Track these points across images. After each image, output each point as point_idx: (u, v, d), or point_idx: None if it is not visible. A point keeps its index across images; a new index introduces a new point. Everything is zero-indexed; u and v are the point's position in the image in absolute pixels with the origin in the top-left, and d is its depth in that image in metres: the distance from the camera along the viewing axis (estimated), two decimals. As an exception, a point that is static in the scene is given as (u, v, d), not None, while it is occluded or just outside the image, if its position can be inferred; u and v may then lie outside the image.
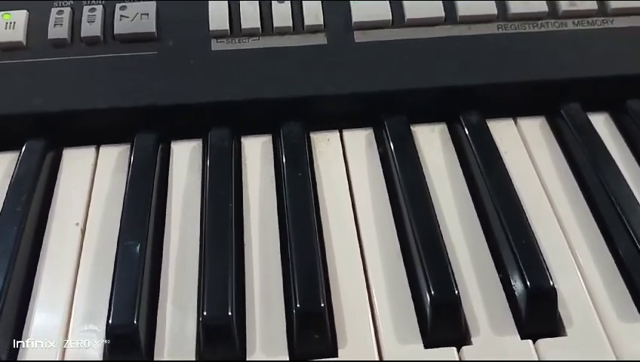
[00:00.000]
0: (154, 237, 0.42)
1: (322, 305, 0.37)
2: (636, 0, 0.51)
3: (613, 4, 0.51)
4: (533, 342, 0.37)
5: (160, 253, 0.42)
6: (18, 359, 0.37)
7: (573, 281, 0.40)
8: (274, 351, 0.37)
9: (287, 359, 0.36)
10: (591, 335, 0.37)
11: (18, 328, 0.38)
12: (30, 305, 0.39)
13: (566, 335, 0.37)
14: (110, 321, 0.36)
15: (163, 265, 0.41)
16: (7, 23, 0.49)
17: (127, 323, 0.36)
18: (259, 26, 0.49)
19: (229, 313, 0.36)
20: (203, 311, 0.36)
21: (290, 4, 0.49)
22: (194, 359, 0.37)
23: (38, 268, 0.41)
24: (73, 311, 0.39)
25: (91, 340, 0.37)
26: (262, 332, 0.38)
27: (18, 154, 0.46)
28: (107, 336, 0.36)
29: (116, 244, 0.40)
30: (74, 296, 0.40)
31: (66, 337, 0.38)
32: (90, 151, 0.48)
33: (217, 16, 0.49)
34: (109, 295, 0.38)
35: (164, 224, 0.43)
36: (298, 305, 0.36)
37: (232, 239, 0.40)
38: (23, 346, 0.37)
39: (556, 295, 0.37)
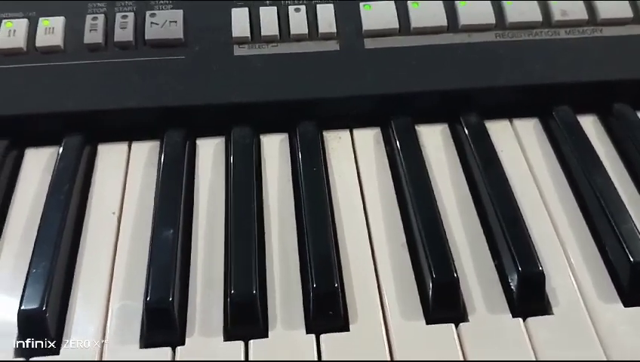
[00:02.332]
0: (184, 224, 0.45)
1: (336, 285, 0.40)
2: (624, 3, 0.54)
3: (603, 15, 0.53)
4: (524, 320, 0.40)
5: (189, 239, 0.45)
6: (64, 337, 0.40)
7: (561, 267, 0.43)
8: (292, 326, 0.40)
9: (305, 333, 0.40)
10: (575, 314, 0.40)
11: (63, 304, 0.42)
12: (73, 284, 0.43)
13: (553, 313, 0.41)
14: (148, 298, 0.40)
15: (192, 250, 0.45)
16: (46, 29, 0.52)
17: (163, 298, 0.39)
18: (277, 33, 0.52)
19: (254, 291, 0.40)
20: (231, 290, 0.40)
21: (305, 13, 0.53)
22: (222, 336, 0.40)
23: (79, 250, 0.45)
24: (112, 290, 0.42)
25: (130, 315, 0.41)
26: (282, 310, 0.41)
27: (57, 149, 0.50)
28: (145, 311, 0.40)
29: (150, 231, 0.44)
30: (112, 277, 0.43)
31: (107, 312, 0.41)
32: (123, 147, 0.51)
33: (239, 24, 0.52)
34: (144, 276, 0.41)
35: (192, 213, 0.47)
36: (315, 286, 0.40)
37: (254, 227, 0.44)
38: (68, 320, 0.41)
39: (544, 279, 0.41)
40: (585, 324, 0.40)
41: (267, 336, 0.40)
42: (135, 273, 0.43)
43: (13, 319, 0.40)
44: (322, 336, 0.40)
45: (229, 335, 0.40)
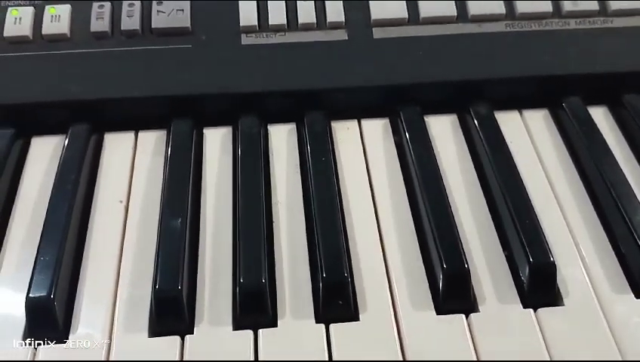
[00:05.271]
0: (192, 214, 0.45)
1: (346, 274, 0.40)
2: (635, 0, 0.54)
3: (614, 5, 0.53)
4: (534, 311, 0.40)
5: (197, 228, 0.45)
6: (72, 326, 0.40)
7: (571, 257, 0.43)
8: (302, 316, 0.40)
9: (314, 322, 0.40)
10: (586, 305, 0.40)
11: (71, 293, 0.42)
12: (81, 273, 0.43)
13: (563, 305, 0.40)
14: (157, 286, 0.39)
15: (200, 239, 0.44)
16: (52, 16, 0.52)
17: (172, 287, 0.39)
18: (285, 22, 0.52)
19: (263, 280, 0.39)
20: (240, 279, 0.40)
21: (313, 2, 0.52)
22: (231, 326, 0.40)
23: (86, 239, 0.45)
24: (120, 279, 0.42)
25: (138, 304, 0.41)
26: (291, 300, 0.41)
27: (63, 138, 0.49)
28: (154, 299, 0.39)
29: (157, 219, 0.44)
30: (120, 266, 0.43)
31: (115, 301, 0.41)
32: (129, 135, 0.51)
33: (247, 13, 0.52)
34: (152, 264, 0.41)
35: (199, 202, 0.47)
36: (324, 275, 0.40)
37: (263, 217, 0.43)
38: (76, 309, 0.41)
39: (555, 269, 0.40)
40: (596, 316, 0.40)
41: (276, 326, 0.40)
42: (143, 262, 0.43)
43: (22, 308, 0.39)
44: (332, 326, 0.40)
45: (237, 325, 0.40)
